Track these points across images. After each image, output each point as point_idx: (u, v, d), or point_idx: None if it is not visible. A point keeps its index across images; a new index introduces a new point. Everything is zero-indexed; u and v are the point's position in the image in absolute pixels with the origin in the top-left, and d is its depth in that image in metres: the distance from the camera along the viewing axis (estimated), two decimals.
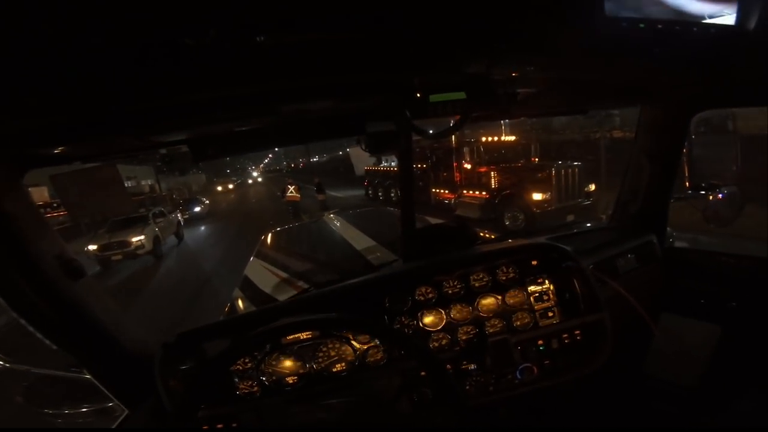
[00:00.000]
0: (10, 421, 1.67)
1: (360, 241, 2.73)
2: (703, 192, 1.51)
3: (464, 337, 1.26)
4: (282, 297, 1.90)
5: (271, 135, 1.17)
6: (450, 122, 1.18)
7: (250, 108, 0.89)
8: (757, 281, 1.44)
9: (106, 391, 1.06)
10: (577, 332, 1.27)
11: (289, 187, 12.64)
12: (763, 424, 1.29)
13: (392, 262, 1.85)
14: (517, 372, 1.22)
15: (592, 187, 8.14)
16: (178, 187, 30.51)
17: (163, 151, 1.08)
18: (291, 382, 1.13)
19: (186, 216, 16.73)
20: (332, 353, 1.16)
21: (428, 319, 1.26)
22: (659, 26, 0.76)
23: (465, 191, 9.46)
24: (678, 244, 1.73)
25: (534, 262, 1.35)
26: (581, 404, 1.43)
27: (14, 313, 0.88)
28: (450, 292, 1.30)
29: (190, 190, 31.07)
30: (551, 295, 1.33)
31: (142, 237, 9.75)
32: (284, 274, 2.36)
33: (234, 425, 1.03)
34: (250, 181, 42.90)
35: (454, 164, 9.63)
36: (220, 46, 0.52)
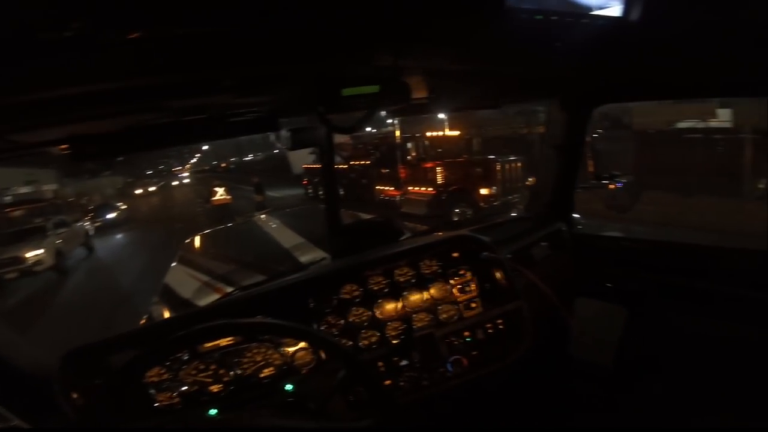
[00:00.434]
0: None
1: (291, 240, 2.76)
2: (605, 182, 1.71)
3: (393, 333, 1.28)
4: (204, 302, 1.87)
5: (169, 133, 1.09)
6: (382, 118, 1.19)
7: (132, 104, 0.83)
8: (654, 263, 1.59)
9: (3, 411, 0.99)
10: (500, 321, 1.32)
11: (217, 189, 11.52)
12: (673, 401, 1.42)
13: (321, 260, 1.89)
14: (448, 365, 1.24)
15: (532, 180, 8.68)
16: (89, 192, 27.75)
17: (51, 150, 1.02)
18: (215, 390, 1.10)
19: (98, 224, 15.23)
20: (258, 358, 1.14)
21: (355, 318, 1.27)
22: (553, 18, 0.79)
23: (411, 188, 9.44)
24: (585, 230, 1.88)
25: (455, 255, 1.41)
26: (512, 392, 1.49)
27: None
28: (375, 288, 1.32)
29: (104, 195, 28.41)
30: (473, 286, 1.38)
31: (40, 251, 8.70)
32: (209, 279, 2.29)
33: None
34: (175, 183, 40.19)
35: (399, 160, 9.57)
36: (85, 40, 0.48)
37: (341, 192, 12.00)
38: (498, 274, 1.37)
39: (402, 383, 1.21)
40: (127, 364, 0.78)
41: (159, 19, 0.51)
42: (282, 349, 1.15)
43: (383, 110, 1.19)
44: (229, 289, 1.92)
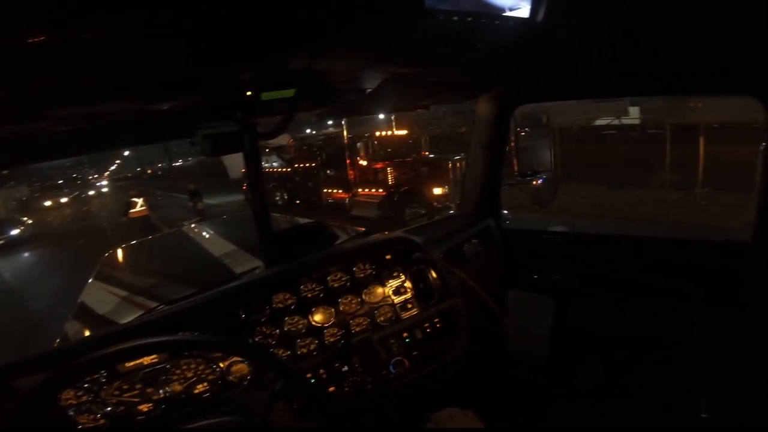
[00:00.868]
0: None
1: (222, 249, 2.69)
2: (528, 178, 1.85)
3: (332, 339, 1.29)
4: (125, 320, 1.76)
5: (76, 140, 1.05)
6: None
7: (18, 111, 0.78)
8: (573, 253, 1.72)
9: None
10: (437, 320, 1.36)
11: (135, 200, 10.19)
12: (602, 386, 1.55)
13: (255, 269, 1.87)
14: (390, 366, 1.26)
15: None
16: None
17: None
18: (145, 410, 1.05)
19: (0, 242, 13.84)
20: (189, 374, 1.10)
21: (291, 326, 1.26)
22: (469, 19, 0.81)
23: (360, 189, 9.37)
24: (512, 225, 1.98)
25: (388, 257, 1.43)
26: (456, 387, 1.51)
27: None
28: (309, 295, 1.31)
29: (6, 209, 25.56)
30: (408, 287, 1.41)
31: None
32: (130, 295, 2.19)
33: None
34: (92, 193, 36.91)
35: (347, 161, 9.46)
36: None
37: (285, 196, 11.96)
38: (431, 274, 1.40)
39: (346, 388, 1.21)
40: (32, 388, 0.75)
41: (63, 22, 0.49)
42: (214, 364, 1.12)
43: (305, 113, 1.21)
44: (154, 305, 1.83)
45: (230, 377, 1.13)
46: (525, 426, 1.66)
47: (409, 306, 1.39)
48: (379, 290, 1.39)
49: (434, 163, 8.41)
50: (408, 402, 1.44)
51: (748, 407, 1.31)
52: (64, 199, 31.20)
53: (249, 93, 0.96)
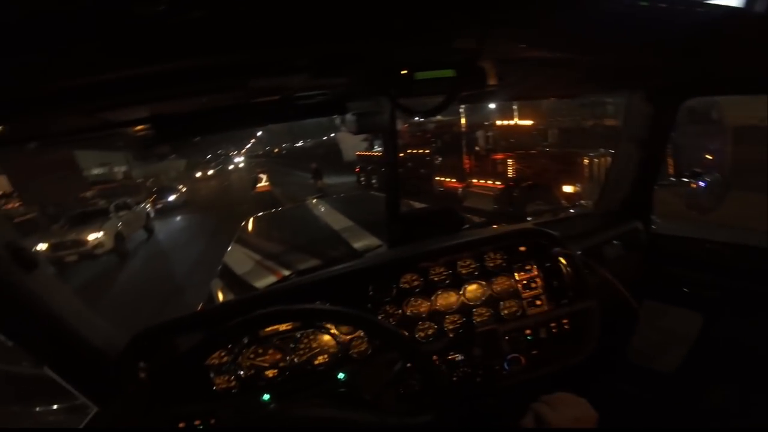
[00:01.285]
0: None
1: (344, 226, 2.86)
2: (686, 180, 1.64)
3: (451, 327, 1.28)
4: (262, 284, 2.01)
5: (245, 113, 1.15)
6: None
7: (214, 82, 0.85)
8: (740, 270, 1.52)
9: (69, 388, 1.06)
10: (565, 321, 1.31)
11: (261, 176, 12.93)
12: (733, 417, 1.42)
13: (377, 248, 1.99)
14: (505, 363, 1.24)
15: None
16: (155, 174, 30.73)
17: (136, 132, 1.09)
18: (270, 375, 1.14)
19: (160, 206, 16.10)
20: (314, 345, 1.17)
21: (413, 308, 1.28)
22: (662, 5, 0.75)
23: (476, 180, 8.81)
24: (661, 231, 1.80)
25: (522, 249, 1.38)
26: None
27: None
28: (436, 279, 1.31)
29: (168, 177, 31.22)
30: (539, 282, 1.36)
31: (100, 234, 8.88)
32: (265, 261, 2.45)
33: (212, 421, 0.99)
34: (231, 167, 42.92)
35: (464, 150, 8.97)
36: (174, 14, 0.50)
37: None
38: (569, 272, 1.34)
39: (455, 378, 1.22)
40: (195, 347, 0.82)
41: None
42: (338, 337, 1.18)
43: (456, 96, 1.09)
44: (286, 272, 2.04)
45: (351, 352, 1.19)
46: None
47: (538, 303, 1.34)
48: (508, 282, 1.35)
49: (568, 158, 7.43)
50: (508, 398, 1.38)
51: None
52: (210, 172, 36.79)
53: (403, 72, 0.95)
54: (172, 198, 17.35)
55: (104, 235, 9.08)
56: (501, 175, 8.33)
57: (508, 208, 7.85)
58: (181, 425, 0.99)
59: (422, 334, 1.27)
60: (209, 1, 0.52)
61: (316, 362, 1.17)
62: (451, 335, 1.27)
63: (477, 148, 8.85)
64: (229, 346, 1.14)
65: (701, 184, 1.62)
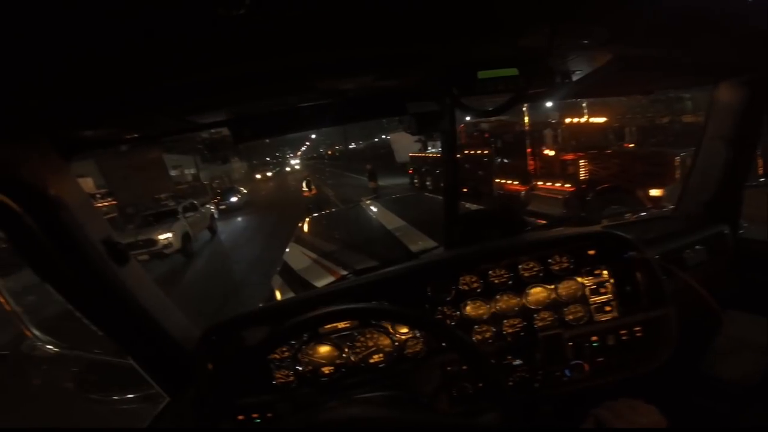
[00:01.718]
0: (59, 407, 1.80)
1: (398, 227, 2.71)
2: None
3: (510, 330, 1.20)
4: (320, 283, 1.96)
5: (310, 115, 1.12)
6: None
7: (286, 84, 0.87)
8: None
9: (148, 378, 1.08)
10: (637, 328, 1.19)
11: (309, 180, 13.20)
12: None
13: (432, 249, 1.92)
14: (566, 369, 1.15)
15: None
16: (219, 176, 31.65)
17: (205, 135, 1.12)
18: (327, 372, 1.13)
19: (223, 206, 16.27)
20: (370, 344, 1.14)
21: (472, 310, 1.20)
22: None
23: (541, 182, 7.83)
24: (750, 235, 1.62)
25: (591, 252, 1.25)
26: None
27: (61, 298, 0.89)
28: (496, 281, 1.23)
29: (231, 179, 32.06)
30: (609, 288, 1.23)
31: (170, 235, 8.85)
32: (322, 260, 2.34)
33: (269, 415, 1.06)
34: (288, 169, 43.83)
35: (528, 150, 7.96)
36: (254, 17, 0.50)
37: None
38: (644, 277, 1.21)
39: (511, 382, 1.15)
40: (261, 342, 0.80)
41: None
42: (394, 337, 1.14)
43: (521, 95, 0.99)
44: (343, 272, 1.98)
45: (406, 352, 1.15)
46: None
47: (608, 309, 1.22)
48: (574, 287, 1.23)
49: (654, 158, 6.23)
50: (569, 405, 1.24)
51: None
52: (269, 173, 37.72)
53: (466, 71, 0.90)
54: (234, 199, 17.54)
55: (173, 235, 9.05)
56: (571, 177, 7.22)
57: (580, 213, 6.73)
58: (240, 417, 1.05)
59: (480, 337, 1.19)
60: (286, 4, 0.51)
61: (372, 361, 1.13)
62: (509, 339, 1.19)
63: (544, 148, 7.79)
64: (291, 342, 1.13)
65: None
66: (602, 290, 1.23)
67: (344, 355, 1.13)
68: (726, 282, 1.51)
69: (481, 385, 0.90)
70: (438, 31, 0.71)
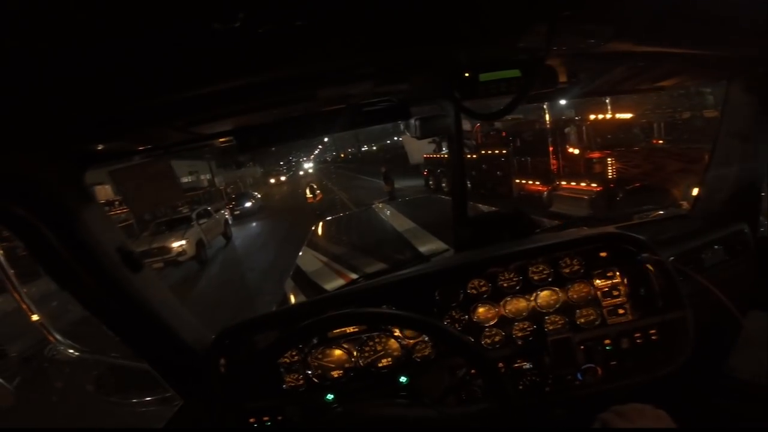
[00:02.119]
0: (80, 408, 1.87)
1: (410, 230, 2.73)
2: None
3: (520, 334, 1.20)
4: (331, 287, 1.99)
5: (314, 122, 1.14)
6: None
7: (287, 94, 0.88)
8: None
9: (162, 381, 1.12)
10: (653, 331, 1.17)
11: (313, 186, 13.12)
12: None
13: (443, 252, 1.92)
14: (578, 373, 1.13)
15: None
16: (234, 181, 32.12)
17: (216, 143, 1.14)
18: (336, 376, 1.15)
19: (237, 212, 16.32)
20: (378, 348, 1.15)
21: (481, 314, 1.21)
22: None
23: (565, 182, 7.49)
24: None
25: (603, 254, 1.24)
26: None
27: (79, 303, 0.94)
28: (505, 285, 1.22)
29: (245, 184, 32.48)
30: (622, 291, 1.22)
31: (183, 242, 8.77)
32: (334, 264, 2.38)
33: (279, 418, 1.09)
34: (301, 173, 44.08)
35: (550, 149, 7.66)
36: (249, 30, 0.51)
37: (468, 184, 10.89)
38: (658, 279, 1.18)
39: (521, 387, 1.14)
40: (270, 345, 0.81)
41: (310, 9, 0.52)
42: (402, 341, 1.15)
43: (525, 96, 0.96)
44: (353, 276, 2.03)
45: (414, 356, 1.16)
46: None
47: (621, 311, 1.20)
48: (586, 289, 1.22)
49: (689, 155, 5.93)
50: (581, 409, 1.16)
51: None
52: (283, 178, 38.11)
53: (467, 74, 0.90)
54: (248, 204, 17.61)
55: (187, 243, 8.97)
56: (598, 176, 6.90)
57: (609, 214, 6.37)
58: (251, 420, 1.09)
59: (489, 341, 1.20)
60: (281, 16, 0.52)
61: (380, 365, 1.15)
62: (520, 343, 1.19)
63: (567, 146, 7.48)
64: (300, 346, 1.15)
65: None
66: (615, 293, 1.21)
67: (353, 359, 1.15)
68: (747, 282, 1.49)
69: (488, 388, 0.90)
70: (435, 35, 0.71)
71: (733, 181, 1.52)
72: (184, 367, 1.12)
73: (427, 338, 1.15)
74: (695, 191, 5.25)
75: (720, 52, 1.11)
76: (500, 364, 1.15)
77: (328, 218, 3.81)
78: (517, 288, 1.22)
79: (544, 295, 1.22)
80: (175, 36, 0.50)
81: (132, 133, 0.92)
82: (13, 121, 0.64)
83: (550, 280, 1.23)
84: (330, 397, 1.09)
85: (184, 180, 24.50)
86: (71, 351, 1.38)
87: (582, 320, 1.20)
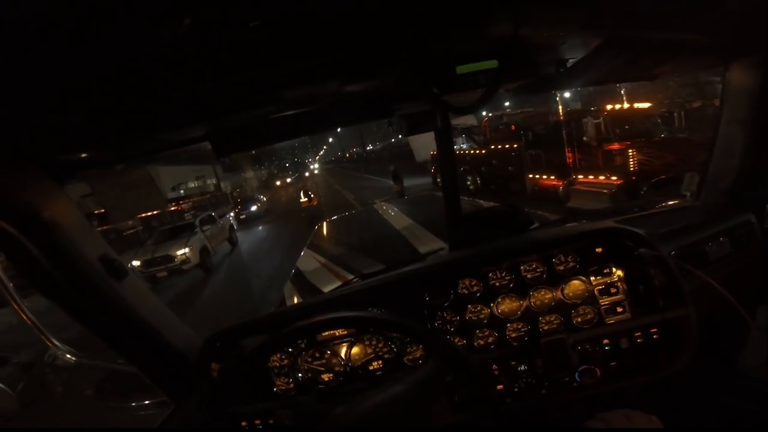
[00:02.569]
0: (79, 413, 1.90)
1: (409, 228, 2.75)
2: None
3: (514, 335, 1.18)
4: (327, 288, 1.98)
5: (291, 124, 1.12)
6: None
7: (251, 97, 0.87)
8: None
9: (154, 386, 1.15)
10: (654, 330, 1.14)
11: (302, 194, 12.61)
12: None
13: (439, 251, 1.93)
14: (576, 374, 1.11)
15: None
16: (240, 185, 32.32)
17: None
18: (326, 379, 1.17)
19: (243, 216, 16.33)
20: (368, 350, 1.16)
21: (473, 315, 1.20)
22: None
23: (582, 176, 7.19)
24: None
25: (598, 249, 1.21)
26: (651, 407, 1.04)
27: (64, 313, 0.96)
28: (497, 284, 1.21)
29: (251, 187, 32.70)
30: (620, 288, 1.19)
31: (186, 250, 8.66)
32: (331, 264, 2.41)
33: (270, 421, 1.10)
34: (307, 174, 44.53)
35: (564, 142, 7.39)
36: (198, 35, 0.51)
37: (477, 180, 10.84)
38: (658, 275, 1.16)
39: (516, 389, 1.13)
40: (255, 349, 0.83)
41: (266, 10, 0.52)
42: (392, 344, 1.15)
43: (505, 87, 1.09)
44: (350, 276, 2.02)
45: (405, 358, 1.16)
46: None
47: (619, 309, 1.18)
48: (581, 287, 1.20)
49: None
50: (580, 411, 1.13)
51: None
52: (288, 179, 38.37)
53: (443, 67, 0.88)
54: (254, 208, 17.51)
55: (190, 250, 8.85)
56: (619, 169, 6.63)
57: (632, 207, 6.09)
58: (243, 424, 1.11)
59: (481, 342, 1.18)
60: (229, 21, 0.51)
61: (371, 368, 1.15)
62: (515, 344, 1.17)
63: (585, 138, 7.20)
64: (289, 349, 1.16)
65: None
66: (613, 290, 1.19)
67: (342, 362, 1.17)
68: (755, 276, 1.46)
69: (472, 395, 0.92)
70: (399, 29, 0.69)
71: (737, 170, 1.48)
72: (174, 372, 1.14)
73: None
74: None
75: (711, 40, 1.09)
76: (494, 366, 1.14)
77: (329, 219, 3.85)
78: (510, 287, 1.21)
79: (537, 295, 1.20)
80: (124, 45, 0.50)
81: (101, 142, 0.92)
82: None
83: (544, 278, 1.21)
84: (320, 399, 1.12)
85: (191, 185, 24.67)
86: (69, 357, 1.40)
87: (579, 319, 1.18)
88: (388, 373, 1.13)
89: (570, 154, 7.47)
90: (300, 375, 1.16)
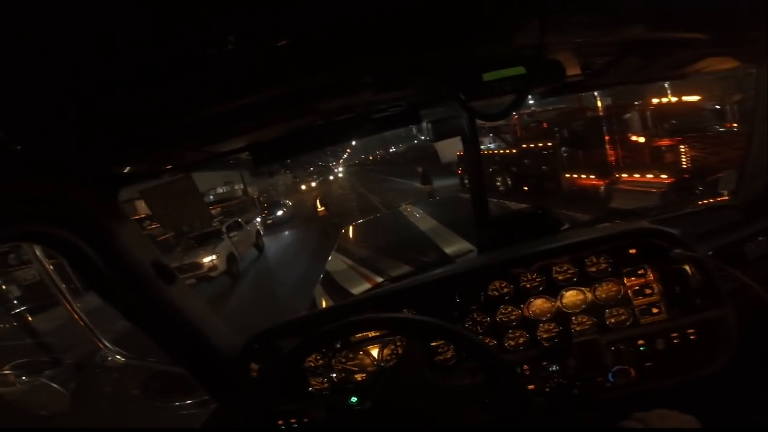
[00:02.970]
0: (124, 411, 1.94)
1: (436, 231, 2.80)
2: None
3: (545, 336, 1.19)
4: (358, 291, 2.06)
5: (325, 133, 1.18)
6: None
7: (286, 109, 0.90)
8: None
9: (198, 385, 1.21)
10: (691, 331, 1.13)
11: (318, 203, 13.59)
12: None
13: (468, 253, 2.05)
14: (610, 375, 1.11)
15: None
16: (267, 190, 32.95)
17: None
18: (359, 379, 1.20)
19: (269, 221, 16.45)
20: (401, 351, 1.17)
21: (503, 316, 1.21)
22: None
23: (626, 174, 6.83)
24: None
25: (632, 251, 1.20)
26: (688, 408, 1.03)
27: (119, 314, 1.04)
28: (528, 286, 1.22)
29: (278, 192, 33.28)
30: (656, 289, 1.18)
31: (214, 257, 8.67)
32: (361, 268, 2.45)
33: (305, 420, 1.14)
34: (331, 178, 44.94)
35: (606, 138, 7.04)
36: (243, 51, 0.54)
37: (508, 181, 10.53)
38: (695, 276, 1.15)
39: (548, 389, 1.13)
40: (292, 350, 0.89)
41: (305, 25, 0.54)
42: (424, 344, 1.12)
43: (533, 93, 1.12)
44: (379, 279, 2.08)
45: (436, 358, 1.19)
46: None
47: (655, 310, 1.17)
48: (615, 288, 1.20)
49: None
50: (613, 412, 1.11)
51: None
52: (313, 184, 38.84)
53: (470, 75, 0.90)
54: (280, 213, 17.66)
55: (217, 257, 8.90)
56: (668, 166, 6.25)
57: (684, 208, 5.73)
58: (279, 422, 1.15)
59: (512, 343, 1.19)
60: (271, 37, 0.54)
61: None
62: (546, 344, 1.18)
63: (630, 134, 6.80)
64: (324, 350, 1.20)
65: None
66: (648, 291, 1.18)
67: (375, 363, 1.20)
68: None
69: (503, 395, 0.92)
70: (427, 38, 0.71)
71: None
72: (217, 372, 1.20)
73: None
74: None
75: (739, 37, 1.07)
76: (525, 367, 1.15)
77: (356, 222, 3.91)
78: (541, 288, 1.21)
79: (569, 296, 1.20)
80: (172, 62, 0.52)
81: (152, 156, 1.00)
82: (44, 150, 0.70)
83: (575, 279, 1.21)
84: (354, 399, 1.14)
85: (219, 190, 25.28)
86: (119, 357, 1.48)
87: (612, 320, 1.18)
88: (420, 374, 1.13)
89: (612, 152, 7.09)
90: (334, 375, 1.21)
